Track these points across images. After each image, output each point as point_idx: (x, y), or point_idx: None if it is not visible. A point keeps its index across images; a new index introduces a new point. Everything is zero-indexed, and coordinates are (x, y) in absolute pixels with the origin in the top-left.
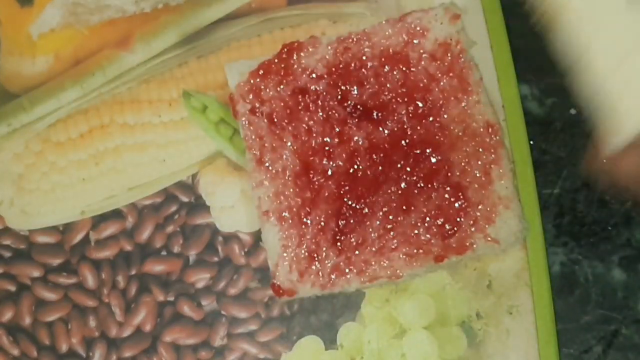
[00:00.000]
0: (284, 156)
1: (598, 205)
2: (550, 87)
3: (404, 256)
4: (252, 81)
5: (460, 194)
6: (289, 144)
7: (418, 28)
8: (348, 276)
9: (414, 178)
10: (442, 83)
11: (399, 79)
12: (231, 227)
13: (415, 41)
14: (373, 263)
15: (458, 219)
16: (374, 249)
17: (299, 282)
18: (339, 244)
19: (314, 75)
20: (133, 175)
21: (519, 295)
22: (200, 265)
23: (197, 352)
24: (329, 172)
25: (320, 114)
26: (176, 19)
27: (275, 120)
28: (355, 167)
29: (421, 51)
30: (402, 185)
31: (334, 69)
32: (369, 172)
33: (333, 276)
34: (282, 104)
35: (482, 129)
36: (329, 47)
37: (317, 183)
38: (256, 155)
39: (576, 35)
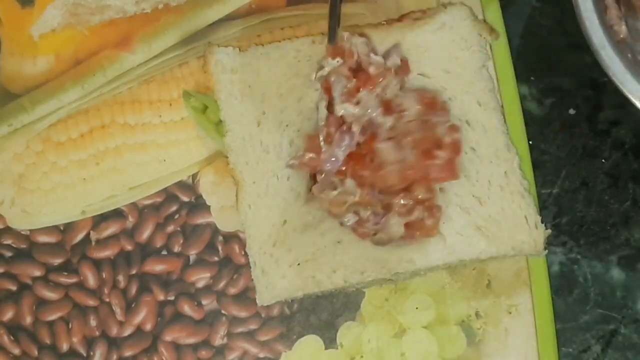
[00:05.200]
0: None
1: (597, 205)
2: (550, 88)
3: None
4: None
5: None
6: None
7: None
8: None
9: None
10: None
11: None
12: (231, 227)
13: None
14: None
15: None
16: None
17: None
18: None
19: None
20: (134, 175)
21: (518, 295)
22: (201, 265)
23: (197, 351)
24: None
25: None
26: (177, 20)
27: None
28: None
29: None
30: None
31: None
32: None
33: None
34: None
35: None
36: None
37: None
38: None
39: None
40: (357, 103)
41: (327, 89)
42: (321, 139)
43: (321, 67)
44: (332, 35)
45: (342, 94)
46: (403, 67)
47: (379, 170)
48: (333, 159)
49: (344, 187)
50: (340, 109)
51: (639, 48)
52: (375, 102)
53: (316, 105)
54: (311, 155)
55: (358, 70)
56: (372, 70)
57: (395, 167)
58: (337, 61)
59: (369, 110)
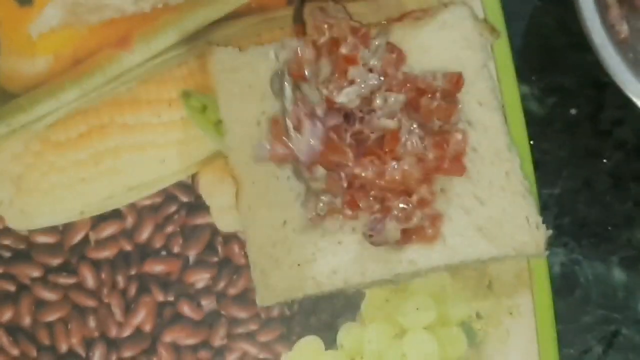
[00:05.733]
0: None
1: (599, 206)
2: (551, 87)
3: None
4: None
5: None
6: None
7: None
8: None
9: None
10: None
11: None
12: (231, 227)
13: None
14: None
15: None
16: None
17: None
18: None
19: None
20: (132, 175)
21: (519, 296)
22: (200, 266)
23: (197, 352)
24: None
25: None
26: (176, 19)
27: None
28: None
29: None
30: None
31: None
32: None
33: None
34: None
35: None
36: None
37: None
38: None
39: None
40: (352, 82)
41: (297, 74)
42: (290, 126)
43: (283, 47)
44: (297, 13)
45: (328, 80)
46: (397, 56)
47: (384, 165)
48: (307, 147)
49: (312, 176)
50: (340, 97)
51: None
52: (373, 76)
53: (271, 85)
54: (281, 148)
55: (334, 46)
56: (350, 39)
57: (411, 159)
58: (298, 42)
59: (370, 82)
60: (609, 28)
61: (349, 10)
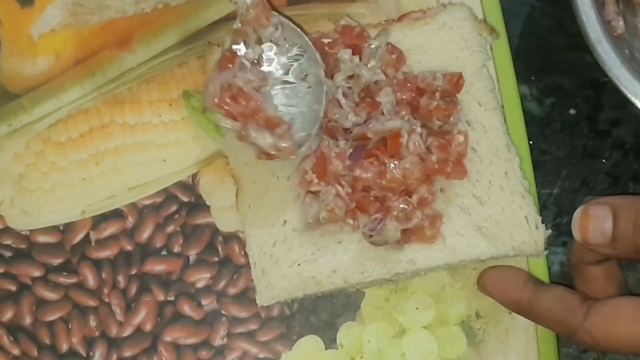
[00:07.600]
0: None
1: None
2: (550, 87)
3: None
4: None
5: None
6: None
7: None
8: None
9: None
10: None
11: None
12: (231, 227)
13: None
14: None
15: None
16: None
17: None
18: None
19: None
20: (133, 175)
21: None
22: (201, 265)
23: (197, 351)
24: None
25: None
26: (176, 19)
27: None
28: None
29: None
30: None
31: None
32: None
33: None
34: None
35: None
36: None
37: None
38: None
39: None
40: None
41: None
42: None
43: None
44: None
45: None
46: (397, 56)
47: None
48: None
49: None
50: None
51: (636, 45)
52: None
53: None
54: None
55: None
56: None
57: (413, 159)
58: None
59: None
60: (605, 24)
61: (349, 11)
